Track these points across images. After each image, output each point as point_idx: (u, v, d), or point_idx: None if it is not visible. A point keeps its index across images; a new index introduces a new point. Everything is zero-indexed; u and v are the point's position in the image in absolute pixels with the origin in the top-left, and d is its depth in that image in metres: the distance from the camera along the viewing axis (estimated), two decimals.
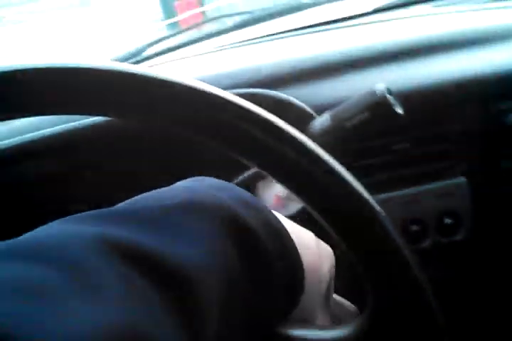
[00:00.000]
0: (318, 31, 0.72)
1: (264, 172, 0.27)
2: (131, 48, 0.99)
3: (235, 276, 0.28)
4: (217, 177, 0.34)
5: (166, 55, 0.81)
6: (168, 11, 8.51)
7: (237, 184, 0.53)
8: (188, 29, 1.03)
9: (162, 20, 9.21)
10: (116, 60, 0.93)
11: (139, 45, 1.02)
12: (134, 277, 0.22)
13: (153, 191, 0.30)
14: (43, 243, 0.22)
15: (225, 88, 0.28)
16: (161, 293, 0.23)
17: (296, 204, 0.53)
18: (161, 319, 0.22)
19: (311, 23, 0.75)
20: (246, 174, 0.54)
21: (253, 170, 0.54)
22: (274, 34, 0.74)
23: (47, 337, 0.17)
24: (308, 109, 0.55)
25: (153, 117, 0.27)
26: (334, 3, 0.94)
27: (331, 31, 0.72)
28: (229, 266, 0.28)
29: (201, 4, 9.08)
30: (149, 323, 0.21)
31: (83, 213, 0.26)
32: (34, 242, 0.22)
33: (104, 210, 0.26)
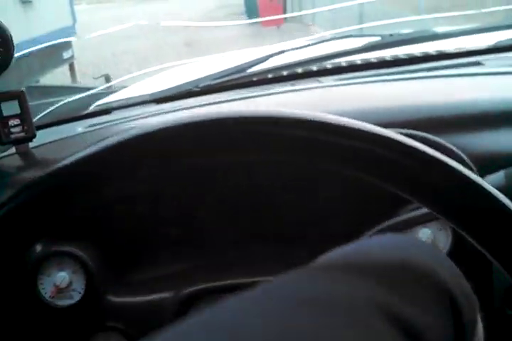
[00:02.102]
0: (484, 74, 0.68)
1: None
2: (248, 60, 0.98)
3: None
4: None
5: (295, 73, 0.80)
6: (251, 5, 8.70)
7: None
8: (308, 45, 1.00)
9: (243, 14, 9.43)
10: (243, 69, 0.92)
11: (256, 56, 1.01)
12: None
13: (357, 244, 0.34)
14: (331, 297, 0.27)
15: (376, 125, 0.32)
16: None
17: None
18: None
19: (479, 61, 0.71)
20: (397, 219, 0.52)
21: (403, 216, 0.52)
22: (427, 70, 0.71)
23: None
24: (468, 161, 0.52)
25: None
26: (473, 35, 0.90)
27: (501, 76, 0.68)
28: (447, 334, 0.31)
29: (283, 2, 9.14)
30: None
31: (328, 263, 0.31)
32: (324, 294, 0.27)
33: (344, 263, 0.31)
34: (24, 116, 0.62)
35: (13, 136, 0.62)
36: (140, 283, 0.56)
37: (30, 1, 4.70)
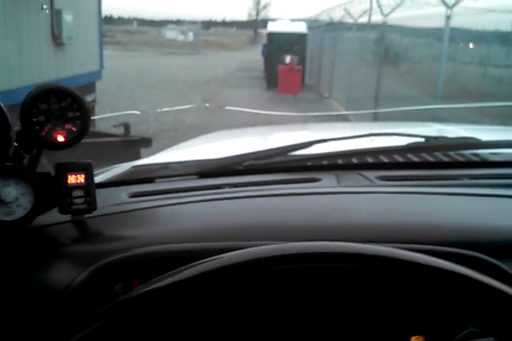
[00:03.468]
0: None
1: None
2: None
3: None
4: None
5: None
6: (270, 71, 9.05)
7: None
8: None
9: (263, 78, 9.74)
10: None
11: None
12: None
13: None
14: None
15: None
16: None
17: None
18: None
19: None
20: None
21: None
22: None
23: None
24: None
25: None
26: None
27: None
28: None
29: (302, 72, 9.47)
30: None
31: None
32: None
33: None
34: (88, 188, 0.62)
35: (74, 207, 0.62)
36: None
37: (64, 44, 4.88)
